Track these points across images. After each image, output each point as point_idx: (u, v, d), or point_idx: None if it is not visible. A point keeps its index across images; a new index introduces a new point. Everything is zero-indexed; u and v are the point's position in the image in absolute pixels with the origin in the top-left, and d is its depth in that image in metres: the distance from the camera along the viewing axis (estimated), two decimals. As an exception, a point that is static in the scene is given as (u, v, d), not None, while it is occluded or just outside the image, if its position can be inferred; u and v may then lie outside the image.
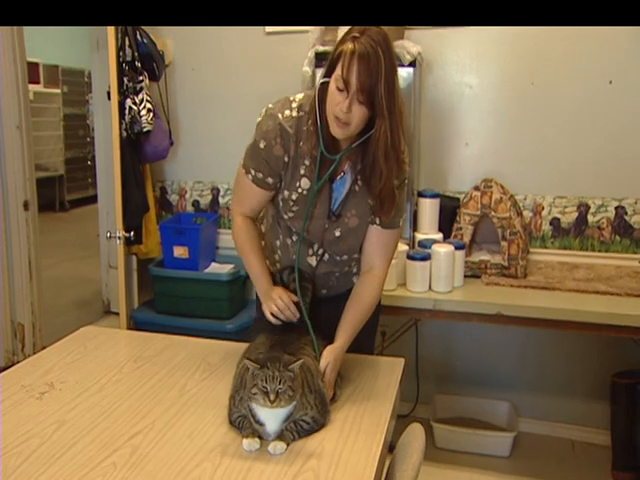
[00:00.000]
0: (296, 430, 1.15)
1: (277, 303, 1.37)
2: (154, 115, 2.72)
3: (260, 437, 1.14)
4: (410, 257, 2.18)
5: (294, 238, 1.49)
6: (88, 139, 7.22)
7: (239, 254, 1.53)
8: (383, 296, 2.12)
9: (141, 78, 2.70)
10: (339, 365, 1.35)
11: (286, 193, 1.44)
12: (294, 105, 1.39)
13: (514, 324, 2.08)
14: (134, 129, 2.67)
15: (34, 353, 3.14)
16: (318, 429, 1.19)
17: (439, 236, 2.35)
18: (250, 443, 1.12)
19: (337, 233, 1.45)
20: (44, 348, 2.21)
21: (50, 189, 6.83)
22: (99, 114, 3.64)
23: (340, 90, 1.25)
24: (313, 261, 1.50)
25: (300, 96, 1.41)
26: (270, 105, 1.42)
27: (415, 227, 2.44)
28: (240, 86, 2.75)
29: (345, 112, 1.25)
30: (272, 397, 1.10)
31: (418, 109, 2.47)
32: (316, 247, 1.49)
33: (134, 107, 2.68)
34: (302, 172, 1.41)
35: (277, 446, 1.11)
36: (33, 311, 3.24)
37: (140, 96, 2.70)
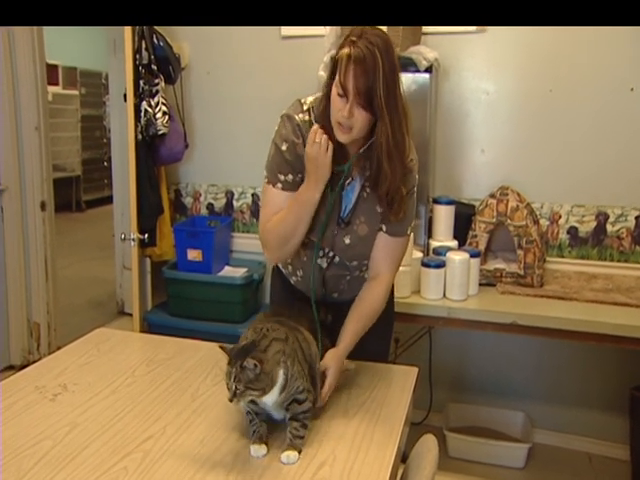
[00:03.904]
0: (297, 421, 1.16)
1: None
2: (169, 118, 2.73)
3: (266, 443, 1.14)
4: (425, 264, 2.16)
5: (305, 241, 1.47)
6: (104, 140, 7.28)
7: (286, 228, 1.40)
8: (397, 303, 2.12)
9: (157, 81, 2.72)
10: (340, 369, 1.33)
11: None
12: (305, 108, 1.40)
13: (529, 334, 2.05)
14: (149, 131, 2.68)
15: (49, 352, 3.17)
16: (314, 411, 1.21)
17: (454, 243, 2.33)
18: (256, 449, 1.12)
19: (347, 240, 1.44)
20: (59, 348, 2.22)
21: (67, 189, 6.90)
22: (115, 116, 3.67)
23: (341, 96, 1.25)
24: (324, 263, 1.49)
25: (310, 99, 1.42)
26: (284, 111, 1.43)
27: (430, 234, 2.42)
28: (255, 90, 2.75)
29: (346, 117, 1.25)
30: (230, 395, 1.09)
31: (434, 115, 2.46)
32: (327, 249, 1.48)
33: (150, 110, 2.69)
34: None
35: (290, 456, 1.11)
36: (48, 311, 3.26)
37: (156, 99, 2.71)
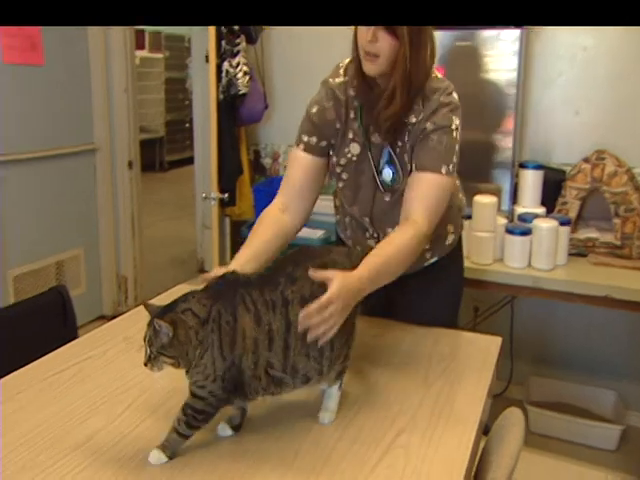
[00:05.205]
0: (184, 415, 0.99)
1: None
2: (250, 78, 2.73)
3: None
4: (509, 231, 2.07)
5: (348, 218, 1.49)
6: (187, 102, 7.46)
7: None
8: (477, 270, 2.06)
9: (238, 41, 2.72)
10: (346, 301, 1.03)
11: (334, 159, 1.42)
12: (341, 71, 1.39)
13: (625, 308, 1.92)
14: (230, 92, 2.70)
15: (135, 305, 3.34)
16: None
17: (541, 210, 2.21)
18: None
19: (387, 198, 1.40)
20: (144, 302, 2.33)
21: (151, 150, 7.16)
22: (197, 77, 3.72)
23: None
24: (372, 243, 1.46)
25: (347, 60, 1.39)
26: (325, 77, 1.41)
27: (515, 200, 2.31)
28: (335, 55, 2.66)
29: (370, 41, 1.22)
30: (144, 359, 0.97)
31: (522, 74, 2.30)
32: (369, 228, 1.46)
33: (231, 70, 2.70)
34: (351, 136, 1.38)
35: (156, 456, 0.99)
36: (135, 265, 3.44)
37: (237, 59, 2.72)
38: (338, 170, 1.43)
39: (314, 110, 1.38)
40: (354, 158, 1.39)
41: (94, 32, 3.08)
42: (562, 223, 2.05)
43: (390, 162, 1.36)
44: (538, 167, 2.26)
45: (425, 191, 1.29)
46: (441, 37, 2.35)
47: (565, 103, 2.36)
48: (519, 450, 1.01)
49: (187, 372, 0.99)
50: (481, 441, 1.14)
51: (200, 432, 1.02)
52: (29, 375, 1.26)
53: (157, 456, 0.98)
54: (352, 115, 1.37)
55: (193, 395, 0.99)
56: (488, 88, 2.32)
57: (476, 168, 2.41)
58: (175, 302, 0.98)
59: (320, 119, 1.37)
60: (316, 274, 1.03)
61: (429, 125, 1.29)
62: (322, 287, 1.01)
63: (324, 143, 1.39)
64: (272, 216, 1.37)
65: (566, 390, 2.49)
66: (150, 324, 0.96)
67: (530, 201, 2.25)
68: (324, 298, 1.00)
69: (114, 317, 1.63)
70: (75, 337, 1.53)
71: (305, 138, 1.38)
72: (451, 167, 1.31)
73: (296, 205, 1.38)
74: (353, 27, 1.30)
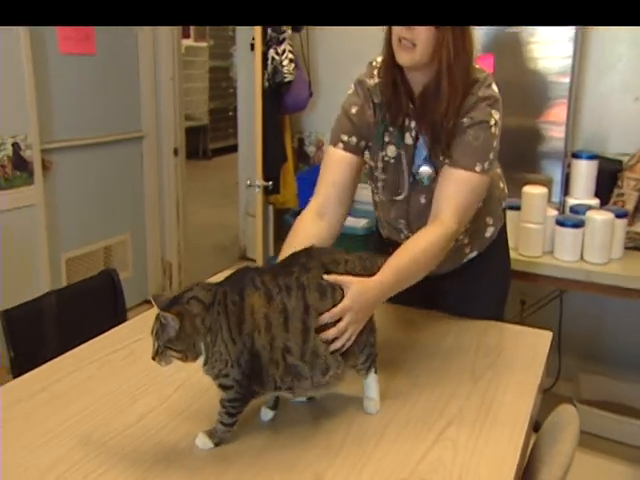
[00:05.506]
0: (222, 407, 1.00)
1: None
2: (295, 66, 2.72)
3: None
4: (560, 223, 2.01)
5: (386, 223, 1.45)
6: (230, 91, 7.52)
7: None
8: (525, 262, 2.01)
9: (284, 28, 2.71)
10: (366, 311, 1.04)
11: (372, 164, 1.39)
12: (375, 72, 1.33)
13: (685, 306, 1.84)
14: (276, 79, 2.70)
15: (179, 291, 3.41)
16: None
17: (595, 202, 2.13)
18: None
19: (423, 200, 1.34)
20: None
21: (195, 138, 7.26)
22: (242, 65, 3.74)
23: None
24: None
25: (380, 58, 1.33)
26: (358, 75, 1.37)
27: (566, 191, 2.23)
28: (380, 43, 2.64)
29: (407, 27, 1.16)
30: (152, 353, 0.95)
31: (578, 60, 2.21)
32: (404, 230, 1.42)
33: (277, 57, 2.70)
34: (387, 139, 1.34)
35: (205, 442, 1.00)
36: (179, 251, 3.50)
37: (283, 46, 2.71)
38: (375, 173, 1.40)
39: (354, 110, 1.34)
40: (391, 160, 1.36)
41: (143, 21, 3.13)
42: (618, 215, 1.97)
43: (429, 160, 1.31)
44: (592, 157, 2.17)
45: (456, 189, 1.24)
46: (491, 23, 2.28)
47: (624, 89, 2.26)
48: (574, 450, 0.97)
49: (205, 364, 0.97)
50: (532, 437, 1.11)
51: (245, 421, 1.03)
52: (81, 355, 1.30)
53: (203, 441, 1.00)
54: (387, 117, 1.32)
55: (222, 387, 0.98)
56: (539, 76, 2.25)
57: (525, 158, 2.34)
58: (182, 293, 0.96)
59: (360, 120, 1.33)
60: (330, 278, 1.01)
61: (466, 120, 1.23)
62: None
63: (363, 143, 1.35)
64: (308, 225, 1.29)
65: (617, 388, 2.40)
66: (157, 317, 0.94)
67: (583, 192, 2.17)
68: (338, 308, 0.99)
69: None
70: (125, 319, 1.57)
71: (345, 138, 1.34)
72: (486, 165, 1.24)
73: (334, 207, 1.31)
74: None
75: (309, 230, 1.27)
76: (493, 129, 1.24)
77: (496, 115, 1.25)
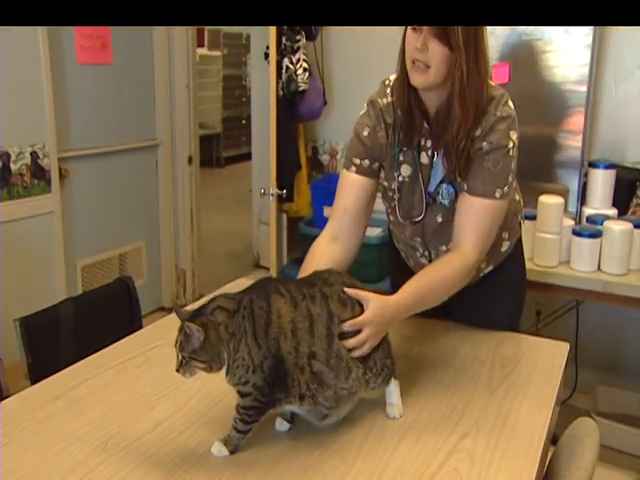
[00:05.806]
0: (237, 413, 1.00)
1: None
2: (309, 74, 2.74)
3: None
4: (576, 233, 1.99)
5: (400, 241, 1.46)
6: (244, 99, 7.57)
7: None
8: (540, 273, 1.99)
9: (299, 37, 2.73)
10: (384, 326, 1.08)
11: (385, 183, 1.38)
12: (388, 90, 1.32)
13: None
14: (290, 88, 2.71)
15: (193, 298, 3.42)
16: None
17: (613, 212, 2.11)
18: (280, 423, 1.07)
19: (439, 219, 1.33)
20: (201, 295, 2.34)
21: (208, 146, 7.31)
22: (256, 74, 3.77)
23: (414, 30, 1.16)
24: (425, 262, 1.43)
25: (393, 77, 1.32)
26: (371, 95, 1.36)
27: (583, 201, 2.21)
28: (394, 53, 2.65)
29: (420, 49, 1.15)
30: (176, 365, 0.96)
31: (595, 68, 2.20)
32: (419, 248, 1.42)
33: (291, 66, 2.71)
34: (401, 159, 1.33)
35: (221, 450, 1.00)
36: (193, 259, 3.51)
37: (297, 55, 2.73)
38: (390, 194, 1.39)
39: (365, 133, 1.33)
40: (406, 180, 1.35)
41: (159, 30, 3.16)
42: (637, 225, 1.95)
43: (448, 181, 1.29)
44: (610, 166, 2.15)
45: (477, 219, 1.25)
46: (506, 32, 2.28)
47: (642, 97, 2.24)
48: (594, 463, 0.96)
49: (227, 374, 0.97)
50: (549, 450, 1.10)
51: (262, 428, 1.03)
52: (98, 362, 1.31)
53: (219, 448, 1.00)
54: (401, 137, 1.31)
55: (240, 394, 0.99)
56: (555, 84, 2.23)
57: (541, 168, 2.33)
58: (205, 305, 0.98)
59: (372, 142, 1.32)
60: (351, 291, 1.05)
61: (485, 145, 1.22)
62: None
63: (376, 165, 1.34)
64: (322, 249, 1.31)
65: (635, 401, 2.36)
66: (181, 329, 0.95)
67: (600, 202, 2.15)
68: (359, 319, 1.03)
69: (172, 309, 1.66)
70: (140, 326, 1.58)
71: (357, 161, 1.33)
72: (506, 189, 1.25)
73: (347, 234, 1.32)
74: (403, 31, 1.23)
75: (325, 253, 1.30)
76: (511, 152, 1.24)
77: (514, 136, 1.24)
